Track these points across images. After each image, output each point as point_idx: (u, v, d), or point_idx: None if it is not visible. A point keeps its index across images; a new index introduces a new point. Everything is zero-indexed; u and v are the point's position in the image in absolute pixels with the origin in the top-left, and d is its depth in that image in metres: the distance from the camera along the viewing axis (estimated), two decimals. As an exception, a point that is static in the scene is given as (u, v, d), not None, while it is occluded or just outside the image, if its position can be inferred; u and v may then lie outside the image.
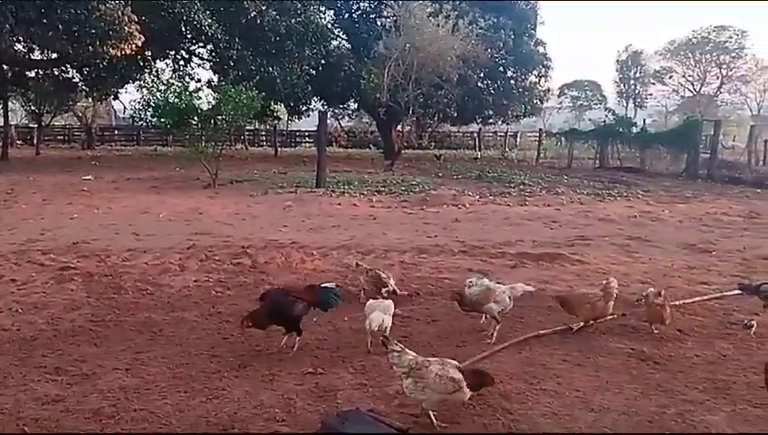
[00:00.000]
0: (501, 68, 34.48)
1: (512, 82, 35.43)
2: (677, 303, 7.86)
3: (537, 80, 36.46)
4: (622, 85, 67.35)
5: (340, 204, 16.96)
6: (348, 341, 6.60)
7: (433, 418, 4.76)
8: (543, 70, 36.07)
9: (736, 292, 8.21)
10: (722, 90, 69.33)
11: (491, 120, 38.23)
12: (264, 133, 44.51)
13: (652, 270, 9.93)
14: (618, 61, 67.41)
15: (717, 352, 6.36)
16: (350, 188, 19.42)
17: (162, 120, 21.15)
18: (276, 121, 38.14)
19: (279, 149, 38.56)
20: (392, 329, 6.70)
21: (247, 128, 37.06)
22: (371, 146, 40.36)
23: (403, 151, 32.53)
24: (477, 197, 18.71)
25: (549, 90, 39.79)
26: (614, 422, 4.86)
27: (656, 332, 6.80)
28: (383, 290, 7.77)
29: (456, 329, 6.97)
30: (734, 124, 55.84)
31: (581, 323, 6.93)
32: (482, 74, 32.94)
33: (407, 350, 5.04)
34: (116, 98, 37.04)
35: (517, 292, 6.88)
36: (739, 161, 31.99)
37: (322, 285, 6.83)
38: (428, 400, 4.80)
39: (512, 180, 22.99)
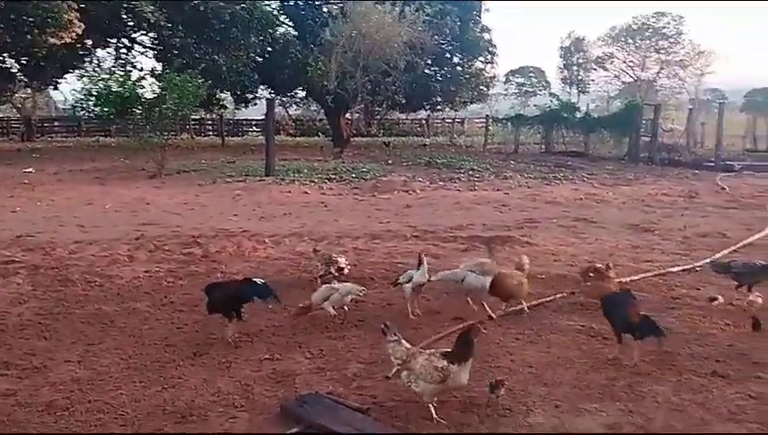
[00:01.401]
0: (447, 55, 34.66)
1: (458, 68, 35.64)
2: (626, 279, 8.12)
3: (483, 66, 36.76)
4: (566, 71, 68.33)
5: (290, 192, 16.89)
6: (304, 326, 6.61)
7: (433, 411, 4.64)
8: (489, 56, 36.37)
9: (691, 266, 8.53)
10: (661, 75, 70.99)
11: (439, 107, 38.44)
12: (210, 122, 43.81)
13: (598, 250, 10.20)
14: (561, 47, 68.41)
15: (663, 326, 6.57)
16: (299, 177, 19.34)
17: (105, 109, 20.68)
18: (222, 110, 37.59)
19: (226, 138, 38.03)
20: (348, 313, 6.77)
21: (193, 117, 36.34)
22: (320, 134, 40.09)
23: (352, 139, 32.48)
24: (428, 183, 18.85)
25: (495, 76, 40.19)
26: (565, 395, 5.01)
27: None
28: (333, 268, 7.87)
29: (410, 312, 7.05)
30: (672, 108, 57.29)
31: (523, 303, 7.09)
32: (429, 61, 33.06)
33: (403, 340, 4.96)
34: (56, 88, 35.95)
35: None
36: (678, 144, 32.95)
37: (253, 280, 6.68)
38: (423, 392, 4.67)
39: (461, 166, 23.24)
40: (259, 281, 6.45)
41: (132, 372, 5.49)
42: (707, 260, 9.40)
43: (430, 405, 4.67)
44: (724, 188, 18.30)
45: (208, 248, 10.10)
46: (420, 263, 6.94)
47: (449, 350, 4.79)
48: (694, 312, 7.12)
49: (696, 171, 23.59)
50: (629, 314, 5.70)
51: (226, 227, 11.99)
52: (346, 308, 6.72)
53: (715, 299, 7.29)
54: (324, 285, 6.91)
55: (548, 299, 7.43)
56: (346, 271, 7.98)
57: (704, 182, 19.99)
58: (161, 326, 6.65)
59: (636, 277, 8.43)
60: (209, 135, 42.45)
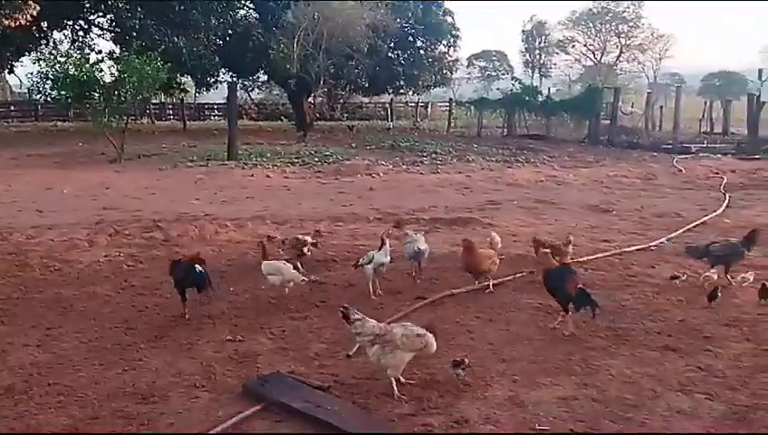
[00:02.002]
0: (410, 38, 34.61)
1: (421, 52, 35.61)
2: (584, 258, 8.31)
3: (446, 50, 36.78)
4: (528, 55, 68.91)
5: (253, 176, 16.79)
6: (266, 308, 6.64)
7: (395, 387, 4.73)
8: (452, 40, 36.39)
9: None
10: (621, 59, 72.06)
11: (402, 91, 38.39)
12: (170, 106, 43.15)
13: (558, 230, 10.38)
14: (523, 31, 68.88)
15: (617, 303, 6.77)
16: (262, 161, 19.21)
17: (62, 93, 20.23)
18: (183, 94, 37.04)
19: (187, 122, 37.55)
20: (311, 294, 6.81)
21: (153, 101, 35.75)
22: (283, 118, 39.76)
23: (315, 123, 32.33)
24: (391, 166, 18.90)
25: (458, 60, 40.30)
26: (523, 370, 5.13)
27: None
28: (305, 248, 7.98)
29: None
30: (632, 92, 58.20)
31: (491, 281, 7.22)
32: (392, 44, 33.00)
33: (367, 318, 5.00)
34: (11, 72, 35.03)
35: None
36: (637, 127, 33.49)
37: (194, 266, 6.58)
38: (397, 364, 4.74)
39: (424, 149, 23.34)
40: (198, 269, 6.43)
41: (92, 354, 5.46)
42: (663, 240, 9.68)
43: (393, 380, 4.75)
44: (680, 170, 18.71)
45: (170, 232, 10.02)
46: (383, 244, 7.02)
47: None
48: (648, 289, 7.31)
49: (655, 154, 24.05)
50: (568, 287, 5.90)
51: (188, 211, 11.90)
52: (286, 291, 6.74)
53: (677, 277, 7.47)
54: (273, 262, 6.90)
55: (508, 278, 7.56)
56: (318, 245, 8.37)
57: (661, 164, 20.39)
58: (122, 310, 6.62)
59: (593, 257, 8.60)
60: (170, 119, 41.83)
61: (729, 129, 34.11)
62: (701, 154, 23.95)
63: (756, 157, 22.50)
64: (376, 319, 6.06)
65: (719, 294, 6.71)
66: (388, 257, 7.05)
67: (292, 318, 6.34)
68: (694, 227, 10.78)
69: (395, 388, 4.73)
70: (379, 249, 7.01)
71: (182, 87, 33.70)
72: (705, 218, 11.42)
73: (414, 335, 4.79)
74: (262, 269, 6.80)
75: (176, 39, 26.86)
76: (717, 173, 17.93)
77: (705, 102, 42.83)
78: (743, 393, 4.74)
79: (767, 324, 6.15)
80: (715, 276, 7.16)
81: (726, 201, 13.31)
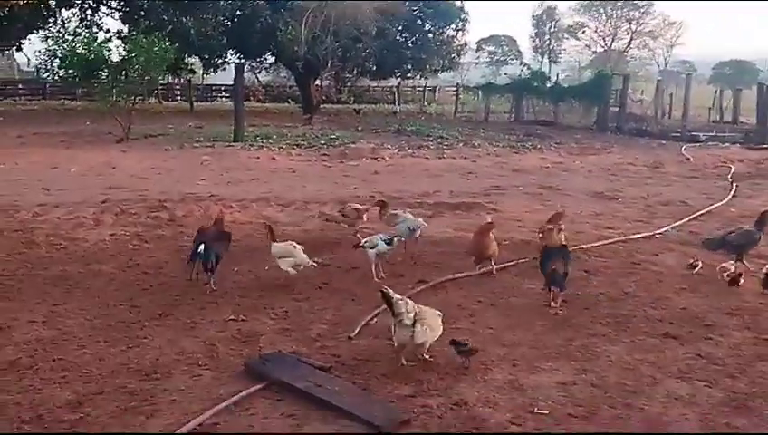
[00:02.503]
0: (419, 21, 34.39)
1: (430, 35, 35.39)
2: (587, 245, 8.32)
3: (455, 34, 36.54)
4: (537, 40, 68.50)
5: (258, 157, 16.79)
6: (269, 289, 6.68)
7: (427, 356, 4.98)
8: (461, 24, 36.16)
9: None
10: (631, 45, 71.53)
11: (409, 75, 38.17)
12: (178, 87, 43.12)
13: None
14: (533, 16, 68.44)
15: (620, 290, 6.79)
16: (268, 142, 19.20)
17: (70, 72, 20.22)
18: (191, 75, 36.99)
19: (194, 103, 37.52)
20: (314, 276, 6.85)
21: (160, 81, 35.73)
22: (290, 100, 39.67)
23: (322, 106, 32.26)
24: (396, 150, 18.87)
25: (466, 44, 40.03)
26: (522, 355, 5.16)
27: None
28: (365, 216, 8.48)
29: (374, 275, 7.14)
30: (642, 79, 57.81)
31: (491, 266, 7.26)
32: (400, 28, 32.82)
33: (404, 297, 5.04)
34: (19, 49, 34.97)
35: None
36: (646, 114, 33.29)
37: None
38: (428, 341, 4.89)
39: (430, 134, 23.28)
40: (202, 247, 6.54)
41: (97, 332, 5.51)
42: (668, 228, 9.68)
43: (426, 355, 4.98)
44: (688, 159, 18.63)
45: (175, 212, 10.06)
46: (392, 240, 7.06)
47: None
48: (651, 277, 7.33)
49: (663, 142, 23.95)
50: (551, 266, 6.11)
51: (194, 191, 11.93)
52: (293, 272, 6.71)
53: (696, 266, 7.44)
54: (283, 244, 6.91)
55: (510, 263, 7.58)
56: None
57: (669, 152, 20.31)
58: (126, 288, 6.66)
59: (597, 244, 8.61)
60: (177, 100, 41.82)
61: (739, 118, 33.91)
62: (709, 143, 23.83)
63: (765, 146, 22.38)
64: (377, 303, 6.14)
65: (742, 280, 6.81)
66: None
67: (295, 299, 6.38)
68: (699, 215, 10.76)
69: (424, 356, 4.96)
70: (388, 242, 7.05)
71: (190, 68, 33.64)
72: (711, 207, 11.39)
73: (437, 315, 5.01)
74: (272, 251, 6.81)
75: (184, 19, 26.77)
76: (725, 162, 17.84)
77: (716, 91, 42.53)
78: (742, 381, 4.76)
79: (768, 314, 6.16)
80: (732, 267, 7.14)
81: (733, 190, 13.26)
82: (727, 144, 23.37)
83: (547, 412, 4.30)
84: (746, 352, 5.28)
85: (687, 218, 10.46)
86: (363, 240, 7.17)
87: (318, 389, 4.47)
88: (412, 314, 4.85)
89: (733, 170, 16.30)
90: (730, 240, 7.59)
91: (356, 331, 5.53)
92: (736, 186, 13.85)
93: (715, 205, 11.67)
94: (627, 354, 5.22)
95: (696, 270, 7.39)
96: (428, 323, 4.89)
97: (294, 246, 6.79)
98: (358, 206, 8.88)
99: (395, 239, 7.06)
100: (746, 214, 10.94)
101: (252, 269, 7.26)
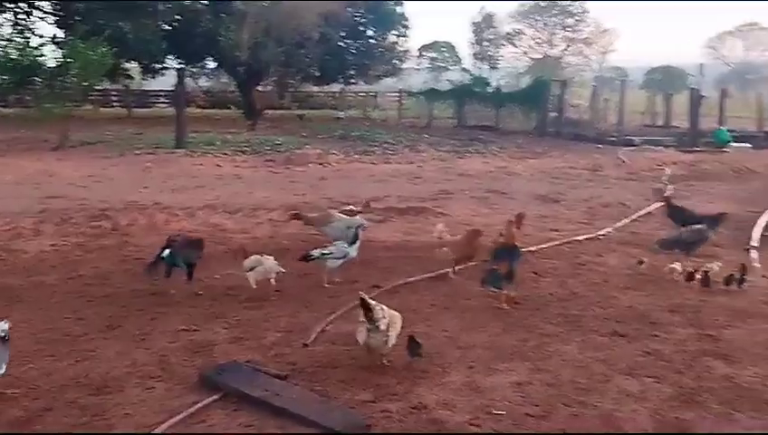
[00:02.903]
0: (361, 27, 34.54)
1: (372, 41, 35.59)
2: (535, 248, 8.47)
3: (397, 40, 36.83)
4: (477, 47, 69.39)
5: (202, 164, 16.54)
6: (221, 298, 6.59)
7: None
8: (403, 30, 36.46)
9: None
10: (567, 52, 73.25)
11: (352, 80, 38.30)
12: (115, 93, 42.16)
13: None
14: (472, 23, 69.33)
15: (569, 290, 6.95)
16: (212, 149, 18.93)
17: (4, 77, 19.55)
18: (129, 81, 36.21)
19: (132, 109, 36.74)
20: (266, 284, 6.78)
21: (96, 87, 34.86)
22: (231, 106, 39.24)
23: (265, 111, 32.02)
24: (343, 155, 18.86)
25: (408, 50, 40.36)
26: (478, 356, 5.22)
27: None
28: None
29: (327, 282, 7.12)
30: (577, 85, 59.21)
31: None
32: (343, 33, 32.87)
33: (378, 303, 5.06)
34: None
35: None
36: (583, 119, 34.15)
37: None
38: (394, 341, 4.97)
39: (375, 139, 23.35)
40: (165, 253, 6.54)
41: (42, 346, 5.33)
42: (609, 229, 9.94)
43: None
44: (625, 162, 19.14)
45: (118, 221, 9.82)
46: (357, 238, 7.12)
47: None
48: (597, 277, 7.52)
49: (600, 146, 24.55)
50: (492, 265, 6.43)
51: (136, 199, 11.68)
52: (273, 282, 6.67)
53: (643, 262, 7.70)
54: (253, 256, 6.84)
55: (462, 266, 7.64)
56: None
57: (606, 156, 20.80)
58: (71, 300, 6.47)
59: (544, 245, 8.78)
60: (114, 106, 40.85)
61: (671, 122, 35.10)
62: (644, 147, 24.55)
63: (697, 149, 23.21)
64: (331, 308, 6.15)
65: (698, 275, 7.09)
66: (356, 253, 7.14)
67: (248, 308, 6.31)
68: (638, 217, 11.08)
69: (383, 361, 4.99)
70: (353, 243, 7.08)
71: (127, 73, 32.93)
72: (650, 208, 11.75)
73: (398, 317, 5.03)
74: (244, 265, 6.67)
75: (122, 23, 26.19)
76: (660, 165, 18.41)
77: (648, 96, 43.93)
78: (688, 376, 4.92)
79: (709, 310, 6.39)
80: (679, 266, 7.37)
81: (669, 192, 13.68)
82: (661, 147, 24.12)
83: (504, 413, 4.35)
84: (691, 347, 5.46)
85: (628, 220, 10.76)
86: (312, 251, 7.08)
87: (276, 397, 4.42)
88: (387, 320, 4.88)
89: (668, 173, 16.82)
90: (684, 238, 7.87)
91: (311, 338, 5.49)
92: (673, 187, 14.30)
93: (654, 206, 12.03)
94: (578, 353, 5.34)
95: (643, 266, 7.62)
96: (396, 326, 4.95)
97: (263, 256, 6.76)
98: (352, 207, 9.14)
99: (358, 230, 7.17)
100: (683, 215, 11.34)
101: (202, 278, 7.13)
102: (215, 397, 4.48)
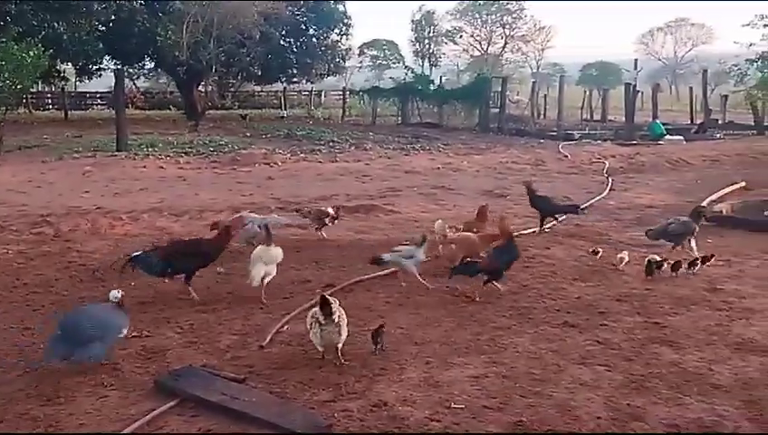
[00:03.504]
0: (303, 26, 34.35)
1: (314, 40, 35.44)
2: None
3: (339, 38, 36.80)
4: (418, 45, 69.81)
5: (145, 167, 16.20)
6: (172, 302, 6.48)
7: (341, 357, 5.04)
8: (344, 28, 36.45)
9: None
10: (506, 49, 74.42)
11: (295, 79, 38.12)
12: (49, 95, 40.94)
13: (457, 215, 10.63)
14: (413, 21, 69.70)
15: (519, 283, 7.07)
16: (154, 151, 18.57)
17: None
18: (64, 83, 35.19)
19: (69, 112, 35.75)
20: (217, 286, 6.71)
21: (31, 90, 33.75)
22: (171, 107, 38.57)
23: (207, 112, 31.56)
24: (289, 155, 18.75)
25: (350, 48, 40.37)
26: (435, 352, 5.28)
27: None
28: (327, 219, 8.71)
29: (280, 282, 7.06)
30: (517, 81, 60.24)
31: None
32: (284, 32, 32.65)
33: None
34: None
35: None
36: (524, 115, 34.83)
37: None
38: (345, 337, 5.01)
39: (321, 138, 23.27)
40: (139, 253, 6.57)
41: (-13, 358, 5.16)
42: (554, 222, 10.15)
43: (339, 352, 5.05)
44: (566, 156, 19.56)
45: (60, 227, 9.55)
46: (424, 240, 7.05)
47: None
48: (545, 269, 7.67)
49: (541, 140, 25.05)
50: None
51: (78, 204, 11.38)
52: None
53: (597, 253, 8.00)
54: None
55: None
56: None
57: (548, 150, 21.25)
58: (16, 309, 6.27)
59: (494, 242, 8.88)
60: (49, 109, 39.68)
61: (607, 116, 36.06)
62: (584, 140, 25.16)
63: (633, 142, 23.91)
64: (286, 309, 6.13)
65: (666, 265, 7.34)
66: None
67: (200, 311, 6.22)
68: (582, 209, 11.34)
69: (341, 358, 5.03)
70: (420, 245, 6.98)
71: (62, 75, 32.01)
72: (593, 201, 12.05)
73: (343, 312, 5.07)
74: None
75: (56, 24, 25.40)
76: (599, 158, 18.88)
77: (585, 91, 45.02)
78: (637, 363, 5.07)
79: (654, 298, 6.60)
80: (627, 257, 7.65)
81: (609, 185, 14.08)
82: (599, 141, 24.75)
83: (463, 406, 4.41)
84: (639, 335, 5.63)
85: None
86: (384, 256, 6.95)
87: (234, 401, 4.38)
88: (339, 313, 4.97)
89: (607, 166, 17.30)
90: (671, 231, 8.14)
91: (267, 339, 5.46)
92: (612, 180, 14.72)
93: (596, 198, 12.36)
94: (531, 344, 5.45)
95: (598, 257, 7.87)
96: (343, 320, 5.01)
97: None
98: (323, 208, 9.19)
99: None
100: (624, 206, 11.72)
101: (151, 283, 6.99)
102: (171, 403, 4.40)
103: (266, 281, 6.47)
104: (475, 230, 8.03)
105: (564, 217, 10.18)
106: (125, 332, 5.10)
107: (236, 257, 7.82)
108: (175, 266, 6.52)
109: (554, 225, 10.05)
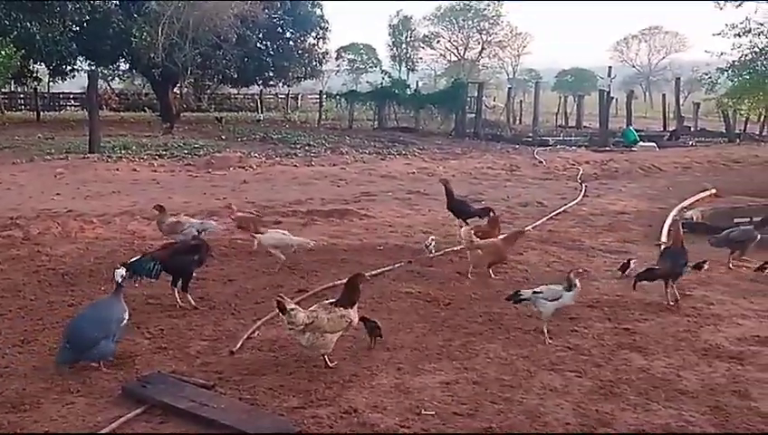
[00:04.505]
0: (280, 29, 34.26)
1: (291, 43, 35.36)
2: (457, 248, 8.61)
3: (316, 42, 36.74)
4: (395, 49, 69.99)
5: (118, 169, 16.02)
6: (141, 307, 6.39)
7: (327, 360, 5.05)
8: (321, 32, 36.40)
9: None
10: (482, 55, 74.87)
11: (272, 82, 38.00)
12: (22, 96, 40.38)
13: (432, 221, 10.69)
14: (390, 25, 69.87)
15: (491, 289, 7.09)
16: (127, 153, 18.38)
17: None
18: (36, 83, 34.72)
19: (41, 113, 35.27)
20: (188, 291, 6.63)
21: (2, 90, 33.28)
22: (146, 109, 38.23)
23: (182, 114, 31.32)
24: (264, 158, 18.66)
25: (327, 52, 40.33)
26: (406, 357, 5.28)
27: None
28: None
29: (252, 287, 7.04)
30: (493, 87, 60.64)
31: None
32: (261, 35, 32.54)
33: (299, 308, 5.11)
34: None
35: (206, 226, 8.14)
36: (500, 120, 35.05)
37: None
38: (326, 344, 4.97)
39: (296, 142, 23.20)
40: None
41: (-49, 364, 5.06)
42: (528, 227, 10.17)
43: (325, 357, 5.05)
44: (541, 162, 19.71)
45: (29, 230, 9.39)
46: (573, 284, 5.88)
47: (333, 301, 5.19)
48: (518, 275, 7.71)
49: (516, 146, 25.21)
50: None
51: (49, 207, 11.22)
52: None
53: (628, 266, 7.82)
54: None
55: (387, 269, 7.71)
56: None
57: (523, 156, 21.38)
58: (-19, 315, 6.15)
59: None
60: (21, 109, 39.14)
61: (582, 122, 36.42)
62: (558, 146, 25.37)
63: (607, 149, 24.17)
64: (258, 315, 6.09)
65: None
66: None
67: (171, 316, 6.16)
68: (555, 215, 11.43)
69: (327, 361, 5.05)
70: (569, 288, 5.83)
71: (35, 75, 31.59)
72: (566, 207, 12.14)
73: (337, 317, 5.00)
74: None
75: (29, 24, 25.07)
76: (574, 164, 19.05)
77: (560, 97, 45.43)
78: (607, 369, 5.12)
79: (624, 305, 6.65)
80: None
81: (583, 191, 14.20)
82: (574, 147, 24.98)
83: (433, 413, 4.41)
84: (609, 341, 5.68)
85: (545, 218, 11.08)
86: (532, 290, 5.92)
87: (203, 408, 4.34)
88: (301, 326, 4.95)
89: (581, 172, 17.45)
90: (733, 238, 8.25)
91: (238, 345, 5.42)
92: (585, 186, 14.85)
93: (570, 204, 12.45)
94: (503, 350, 5.47)
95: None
96: (326, 328, 4.97)
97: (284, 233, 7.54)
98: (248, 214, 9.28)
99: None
100: (596, 212, 11.81)
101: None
102: (139, 410, 4.36)
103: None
104: (479, 235, 7.95)
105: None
106: (126, 317, 5.19)
107: (208, 262, 7.75)
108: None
109: (528, 230, 10.08)
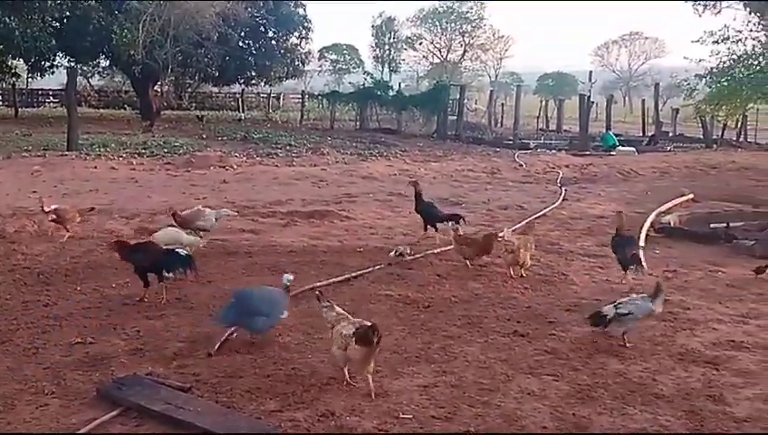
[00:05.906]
0: (262, 28, 34.17)
1: (273, 42, 35.27)
2: (437, 251, 8.62)
3: (298, 41, 36.68)
4: (378, 50, 70.05)
5: (96, 167, 15.85)
6: (118, 308, 6.34)
7: (346, 373, 4.84)
8: (304, 32, 36.34)
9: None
10: (465, 57, 75.15)
11: (253, 82, 37.87)
12: (0, 92, 39.90)
13: (412, 223, 10.67)
14: (373, 26, 69.93)
15: (471, 292, 7.11)
16: (106, 151, 18.21)
17: None
18: (15, 79, 34.32)
19: (20, 109, 34.86)
20: (167, 291, 6.58)
21: (-21, 86, 32.90)
22: (126, 106, 37.91)
23: (162, 112, 31.10)
24: (244, 158, 18.57)
25: (310, 52, 40.28)
26: (385, 360, 5.26)
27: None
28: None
29: (230, 289, 6.96)
30: (475, 89, 60.88)
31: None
32: (243, 34, 32.43)
33: (335, 306, 5.09)
34: None
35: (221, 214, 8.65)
36: (481, 123, 35.19)
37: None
38: (334, 355, 4.84)
39: (278, 141, 23.11)
40: (182, 252, 6.69)
41: None
42: (508, 229, 10.22)
43: (344, 370, 4.84)
44: (521, 165, 19.79)
45: (5, 228, 9.26)
46: (659, 291, 5.84)
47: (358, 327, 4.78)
48: (497, 278, 7.72)
49: (497, 149, 25.32)
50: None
51: (25, 205, 11.06)
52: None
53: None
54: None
55: (367, 271, 7.69)
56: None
57: (504, 159, 21.46)
58: (-46, 314, 6.06)
59: (447, 248, 8.92)
60: (-1, 106, 38.69)
61: (562, 126, 36.68)
62: (539, 150, 25.52)
63: (587, 153, 24.34)
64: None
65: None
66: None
67: (148, 317, 6.10)
68: (535, 218, 11.48)
69: (346, 375, 4.85)
70: (654, 298, 5.76)
71: (14, 71, 31.22)
72: (546, 210, 12.20)
73: (339, 334, 4.78)
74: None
75: (7, 19, 24.77)
76: (554, 168, 19.16)
77: (541, 101, 45.71)
78: (584, 373, 5.14)
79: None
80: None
81: (563, 194, 14.28)
82: (554, 151, 25.12)
83: (411, 416, 4.41)
84: (586, 346, 5.70)
85: (525, 221, 11.11)
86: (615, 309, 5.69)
87: (179, 411, 4.30)
88: (330, 323, 4.98)
89: (561, 175, 17.56)
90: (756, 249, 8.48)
91: (216, 347, 5.38)
92: (565, 190, 14.94)
93: (549, 208, 12.51)
94: (481, 354, 5.47)
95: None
96: (334, 336, 4.86)
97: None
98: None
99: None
100: (576, 216, 11.88)
101: (97, 287, 6.86)
102: (114, 413, 4.31)
103: None
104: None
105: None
106: (286, 313, 5.55)
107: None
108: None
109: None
